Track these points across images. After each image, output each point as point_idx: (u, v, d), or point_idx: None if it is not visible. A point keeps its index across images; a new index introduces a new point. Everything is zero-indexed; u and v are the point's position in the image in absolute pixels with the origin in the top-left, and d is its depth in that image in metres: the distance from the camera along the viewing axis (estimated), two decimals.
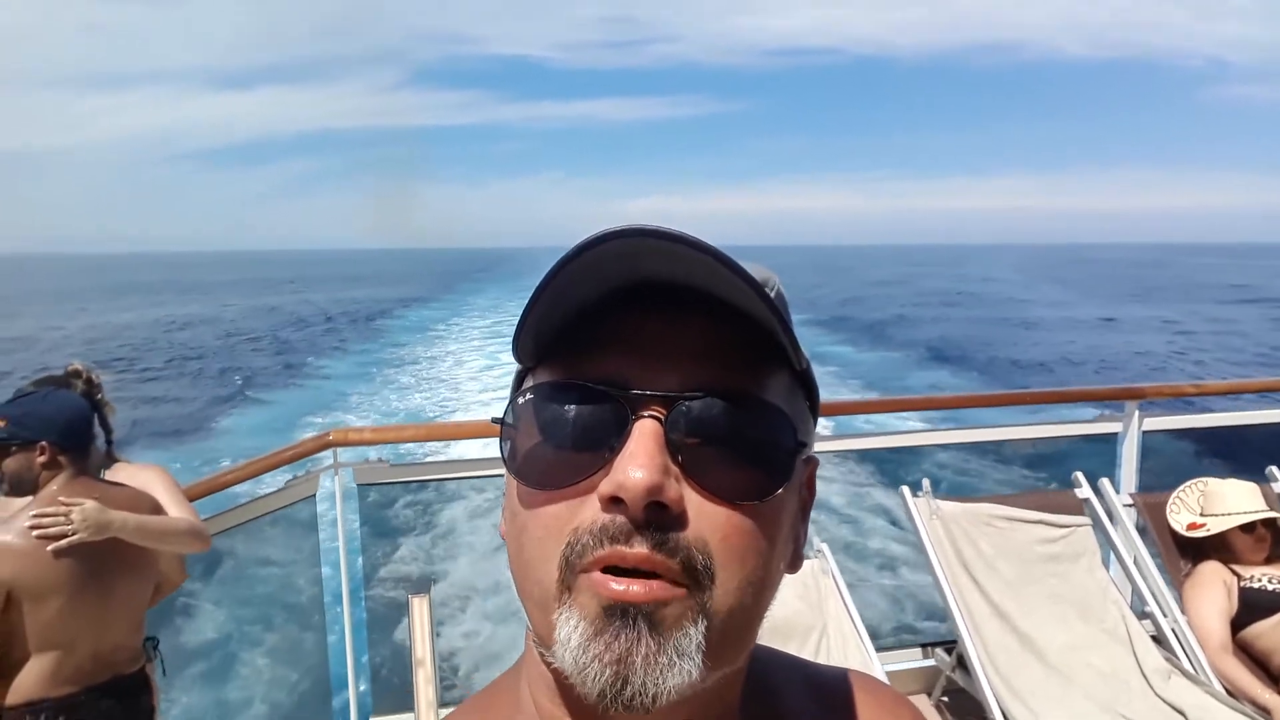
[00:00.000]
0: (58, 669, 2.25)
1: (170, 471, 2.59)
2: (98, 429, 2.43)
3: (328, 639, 3.43)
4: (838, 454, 4.06)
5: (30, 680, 2.23)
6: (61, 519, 2.17)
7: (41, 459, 2.26)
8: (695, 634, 0.48)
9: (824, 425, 4.36)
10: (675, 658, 0.47)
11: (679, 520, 0.48)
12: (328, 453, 3.26)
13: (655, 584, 0.47)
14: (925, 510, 3.36)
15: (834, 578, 3.23)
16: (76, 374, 2.45)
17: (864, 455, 4.80)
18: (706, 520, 0.49)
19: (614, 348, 0.52)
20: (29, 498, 2.25)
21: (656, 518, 0.48)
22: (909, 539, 3.56)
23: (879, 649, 3.16)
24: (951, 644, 3.39)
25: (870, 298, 53.68)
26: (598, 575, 0.48)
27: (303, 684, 3.50)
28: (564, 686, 0.54)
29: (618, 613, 0.47)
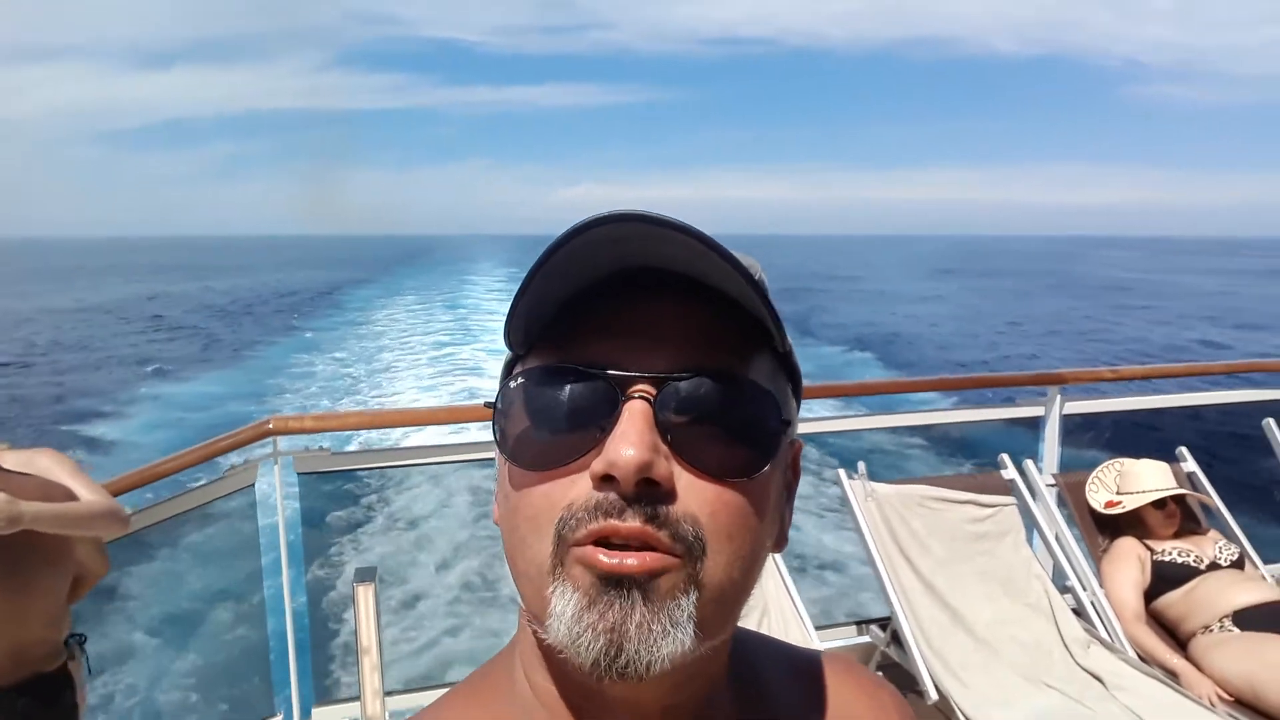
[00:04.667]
0: None
1: (75, 460, 2.46)
2: None
3: (268, 630, 3.39)
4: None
5: None
6: None
7: None
8: (687, 604, 0.50)
9: None
10: (669, 627, 0.49)
11: (669, 496, 0.50)
12: (267, 441, 3.21)
13: (649, 555, 0.49)
14: (861, 492, 3.47)
15: (774, 558, 3.32)
16: None
17: (800, 439, 4.92)
18: (696, 496, 0.51)
19: (603, 331, 0.53)
20: None
21: (648, 494, 0.49)
22: (845, 521, 3.67)
23: (817, 627, 3.26)
24: (886, 620, 3.51)
25: (803, 287, 54.49)
26: (591, 548, 0.49)
27: (244, 676, 3.45)
28: (558, 663, 0.55)
29: (612, 583, 0.48)
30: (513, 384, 0.54)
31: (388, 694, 3.17)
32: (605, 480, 0.49)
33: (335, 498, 3.59)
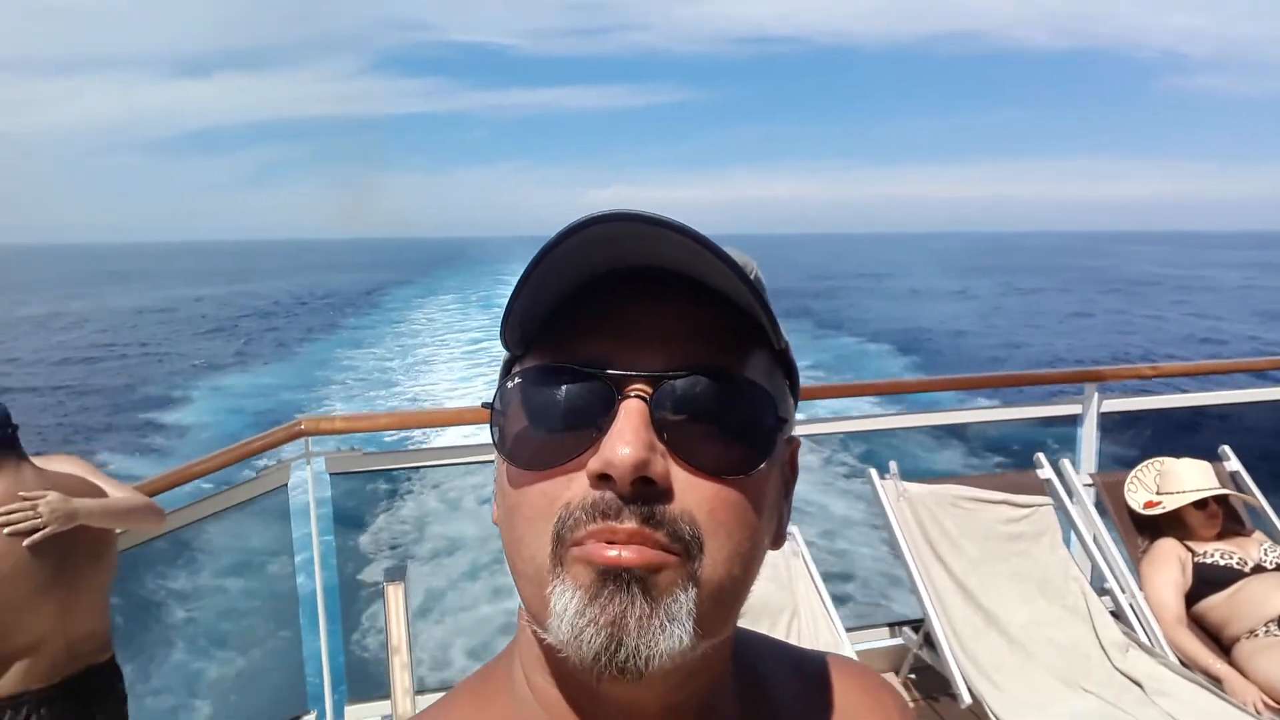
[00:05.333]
0: (35, 662, 2.24)
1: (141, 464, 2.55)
2: (11, 421, 2.32)
3: (301, 628, 3.43)
4: (806, 438, 4.11)
5: (10, 676, 2.22)
6: (30, 513, 2.14)
7: None
8: (686, 601, 0.50)
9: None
10: (667, 622, 0.49)
11: (666, 495, 0.50)
12: (300, 442, 3.25)
13: (648, 551, 0.49)
14: (893, 492, 3.43)
15: (804, 560, 3.29)
16: None
17: (833, 440, 4.88)
18: (693, 494, 0.51)
19: (599, 331, 0.53)
20: None
21: (644, 493, 0.49)
22: (877, 521, 3.63)
23: (848, 629, 3.22)
24: (919, 622, 3.47)
25: (833, 286, 54.10)
26: (590, 545, 0.49)
27: (277, 674, 3.50)
28: (557, 664, 0.56)
29: (611, 577, 0.48)
30: (510, 384, 0.55)
31: (419, 692, 3.20)
32: (602, 479, 0.49)
33: (367, 497, 3.62)
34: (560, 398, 0.52)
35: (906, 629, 3.63)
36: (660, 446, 0.50)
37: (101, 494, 2.38)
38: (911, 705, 3.45)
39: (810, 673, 0.72)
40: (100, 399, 21.34)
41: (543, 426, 0.52)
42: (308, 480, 3.28)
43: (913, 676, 3.62)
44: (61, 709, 2.28)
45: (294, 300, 48.45)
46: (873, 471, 3.47)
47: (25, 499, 2.15)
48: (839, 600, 3.28)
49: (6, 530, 2.11)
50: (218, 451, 3.10)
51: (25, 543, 2.12)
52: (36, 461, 2.35)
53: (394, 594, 3.03)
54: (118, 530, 2.49)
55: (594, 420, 0.51)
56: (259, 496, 3.23)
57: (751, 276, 0.53)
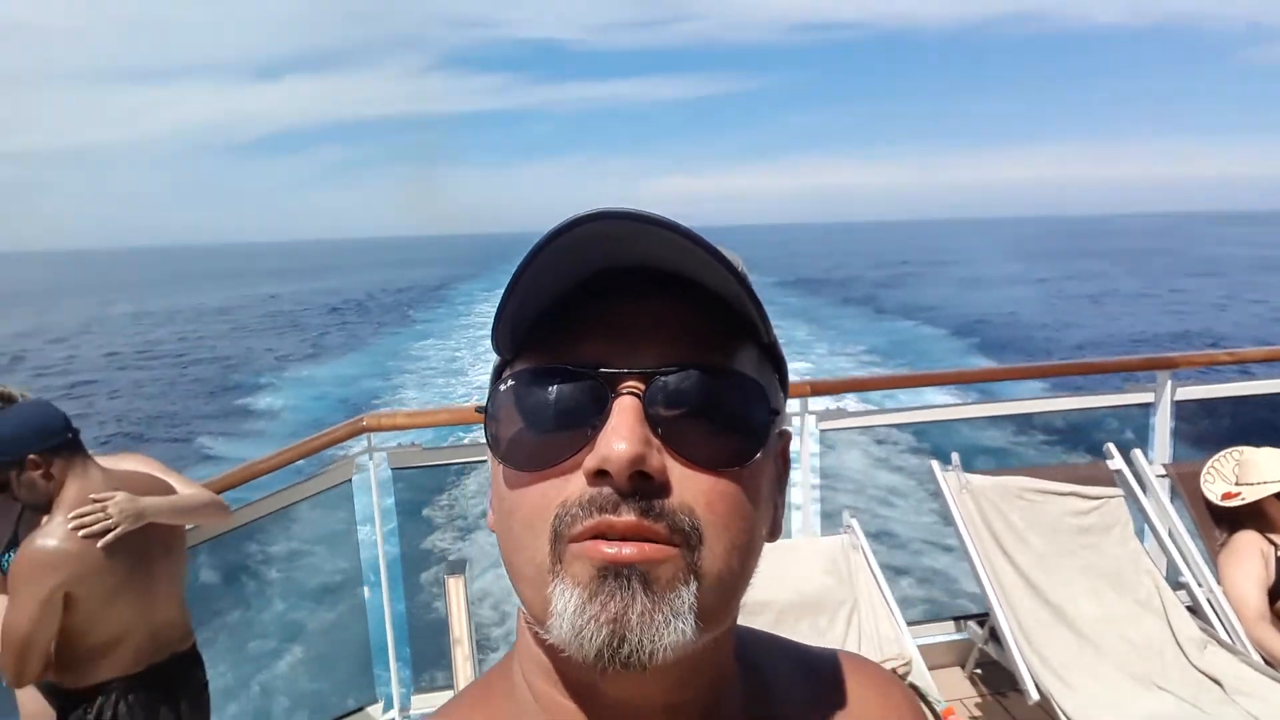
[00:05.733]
0: (121, 653, 2.35)
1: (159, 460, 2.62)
2: (72, 423, 2.37)
3: (368, 621, 3.52)
4: (867, 429, 4.06)
5: (97, 666, 2.34)
6: (100, 514, 2.23)
7: (37, 472, 2.24)
8: (687, 594, 0.50)
9: (853, 401, 4.36)
10: (670, 616, 0.49)
11: (663, 489, 0.50)
12: (363, 438, 3.33)
13: (647, 545, 0.49)
14: (955, 484, 3.36)
15: (864, 553, 3.25)
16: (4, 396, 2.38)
17: (894, 430, 4.79)
18: (690, 487, 0.51)
19: (590, 330, 0.53)
20: (53, 508, 2.25)
21: (642, 487, 0.49)
22: (939, 513, 3.57)
23: (910, 623, 3.17)
24: (984, 617, 3.40)
25: (901, 274, 53.08)
26: (589, 542, 0.49)
27: (344, 666, 3.60)
28: (558, 665, 0.56)
29: (611, 573, 0.48)
30: (502, 387, 0.55)
31: None
32: (599, 475, 0.49)
33: (429, 491, 3.69)
34: (553, 398, 0.52)
35: (971, 624, 3.56)
36: (655, 441, 0.50)
37: (168, 490, 2.48)
38: (979, 701, 3.40)
39: (818, 670, 0.71)
40: (196, 388, 23.11)
41: (537, 428, 0.52)
42: (371, 475, 3.35)
43: (978, 672, 3.55)
44: (147, 695, 2.40)
45: (366, 296, 50.20)
46: (934, 463, 3.40)
47: (96, 500, 2.24)
48: (900, 594, 3.22)
49: (81, 533, 2.20)
50: (282, 449, 3.19)
51: (99, 544, 2.21)
52: (104, 461, 2.45)
53: (455, 586, 3.09)
54: (187, 526, 2.59)
55: (588, 419, 0.51)
56: (324, 491, 3.31)
57: (739, 271, 0.53)
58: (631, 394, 0.51)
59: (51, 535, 2.20)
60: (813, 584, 3.16)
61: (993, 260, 64.66)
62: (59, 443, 2.27)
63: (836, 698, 0.69)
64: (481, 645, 3.46)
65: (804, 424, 3.55)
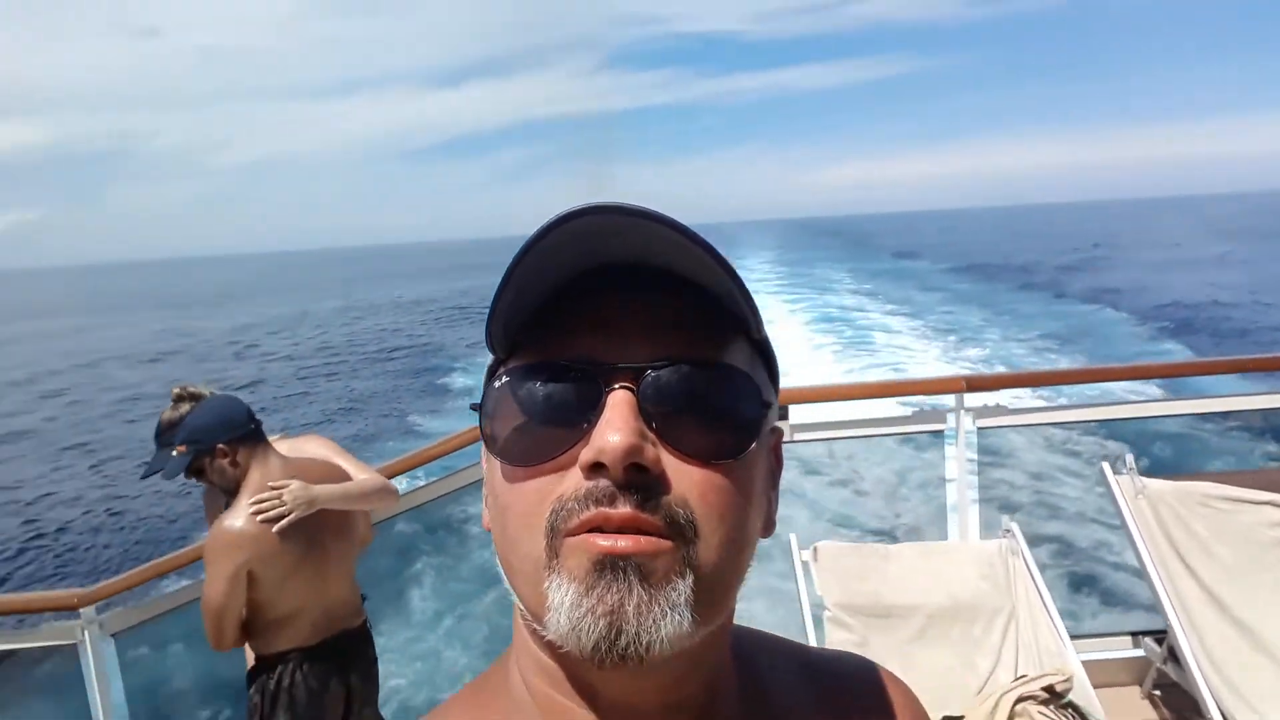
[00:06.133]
0: (298, 626, 2.58)
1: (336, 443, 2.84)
2: (255, 416, 2.59)
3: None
4: (1037, 427, 3.82)
5: (278, 637, 2.58)
6: (276, 501, 2.45)
7: (225, 459, 2.49)
8: (684, 587, 0.50)
9: (1019, 396, 4.12)
10: (666, 609, 0.49)
11: (659, 481, 0.50)
12: None
13: (643, 538, 0.49)
14: (1130, 489, 3.11)
15: (1024, 558, 3.06)
16: (183, 396, 2.70)
17: (1066, 428, 4.50)
18: (685, 480, 0.51)
19: (583, 326, 0.53)
20: (239, 492, 2.50)
21: (637, 480, 0.50)
22: (1112, 519, 3.31)
23: (1075, 636, 2.97)
24: (1162, 634, 3.13)
25: (1087, 258, 49.36)
26: (585, 536, 0.49)
27: (484, 657, 3.76)
28: (555, 664, 0.56)
29: (608, 566, 0.48)
30: (496, 384, 0.55)
31: None
32: (594, 469, 0.50)
33: None
34: (548, 394, 0.53)
35: (1149, 640, 3.29)
36: (650, 434, 0.51)
37: (343, 476, 2.68)
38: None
39: (819, 671, 0.71)
40: (399, 371, 25.94)
41: (532, 424, 0.53)
42: None
43: (1157, 693, 3.28)
44: (322, 666, 2.61)
45: None
46: (1105, 465, 3.16)
47: (273, 488, 2.46)
48: (1066, 605, 3.03)
49: (259, 517, 2.42)
50: (449, 435, 3.37)
51: (274, 528, 2.43)
52: (286, 445, 2.69)
53: None
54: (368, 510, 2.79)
55: (583, 414, 0.51)
56: (466, 487, 3.48)
57: (729, 265, 0.53)
58: (625, 388, 0.51)
59: (236, 517, 2.43)
60: (967, 589, 3.02)
61: (1191, 241, 58.97)
62: (243, 433, 2.52)
63: (837, 698, 0.69)
64: None
65: (959, 421, 3.39)
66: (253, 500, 2.43)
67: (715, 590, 0.52)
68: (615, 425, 0.49)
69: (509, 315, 0.54)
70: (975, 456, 3.42)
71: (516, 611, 0.58)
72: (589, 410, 0.51)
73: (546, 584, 0.50)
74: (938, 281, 37.81)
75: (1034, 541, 3.17)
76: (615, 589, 0.48)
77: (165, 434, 2.66)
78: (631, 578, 0.49)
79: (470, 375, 23.48)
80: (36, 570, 11.91)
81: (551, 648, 0.53)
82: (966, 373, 3.40)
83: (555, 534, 0.50)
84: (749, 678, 0.65)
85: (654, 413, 0.51)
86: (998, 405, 3.42)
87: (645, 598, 0.49)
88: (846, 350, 20.13)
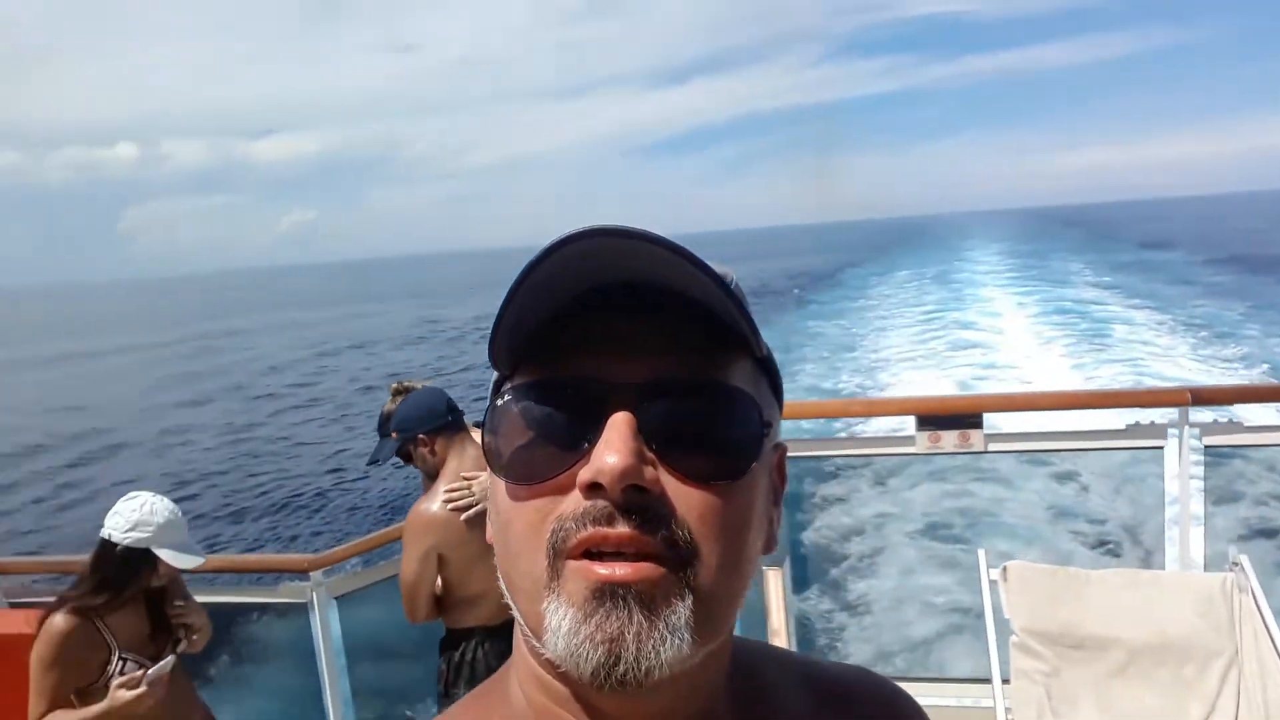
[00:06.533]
0: (483, 607, 2.78)
1: None
2: (456, 409, 2.81)
3: None
4: (1277, 448, 3.34)
5: (465, 615, 2.80)
6: (465, 492, 2.65)
7: (425, 448, 2.72)
8: (683, 609, 0.50)
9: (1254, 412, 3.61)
10: (666, 633, 0.49)
11: (658, 502, 0.51)
12: None
13: (643, 565, 0.49)
14: None
15: (1254, 597, 2.69)
16: (399, 390, 2.95)
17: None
18: (684, 501, 0.51)
19: (584, 346, 0.54)
20: (438, 479, 2.73)
21: (636, 500, 0.50)
22: None
23: None
24: None
25: None
26: (584, 562, 0.50)
27: None
28: (554, 678, 0.56)
29: (607, 594, 0.49)
30: (499, 402, 0.56)
31: None
32: (593, 489, 0.50)
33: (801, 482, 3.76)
34: (549, 413, 0.53)
35: None
36: (650, 455, 0.51)
37: None
38: None
39: (823, 684, 0.70)
40: None
41: (534, 443, 0.54)
42: None
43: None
44: (502, 646, 2.81)
45: (760, 284, 52.64)
46: None
47: (465, 479, 2.67)
48: None
49: (450, 506, 2.63)
50: None
51: (462, 517, 2.63)
52: (477, 432, 2.90)
53: (773, 578, 3.15)
54: None
55: (584, 434, 0.52)
56: None
57: (731, 286, 0.53)
58: (625, 409, 0.52)
59: (431, 503, 2.67)
60: (1181, 626, 2.71)
61: None
62: (441, 424, 2.76)
63: (840, 709, 0.68)
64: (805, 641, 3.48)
65: (1183, 438, 3.03)
66: (446, 489, 2.66)
67: (715, 611, 0.53)
68: (614, 446, 0.50)
69: (512, 334, 0.54)
70: (1201, 478, 3.04)
71: (517, 625, 0.58)
72: (589, 430, 0.52)
73: (545, 604, 0.51)
74: (1192, 274, 33.68)
75: (1268, 578, 2.78)
76: (615, 617, 0.49)
77: (383, 424, 2.98)
78: (631, 605, 0.49)
79: None
80: (278, 533, 13.51)
81: (550, 664, 0.54)
82: (1192, 385, 3.04)
83: (556, 554, 0.51)
84: (751, 691, 0.65)
85: (654, 433, 0.52)
86: (1230, 422, 3.02)
87: (645, 624, 0.49)
88: (1079, 344, 18.76)
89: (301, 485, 15.72)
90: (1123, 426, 3.19)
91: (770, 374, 0.60)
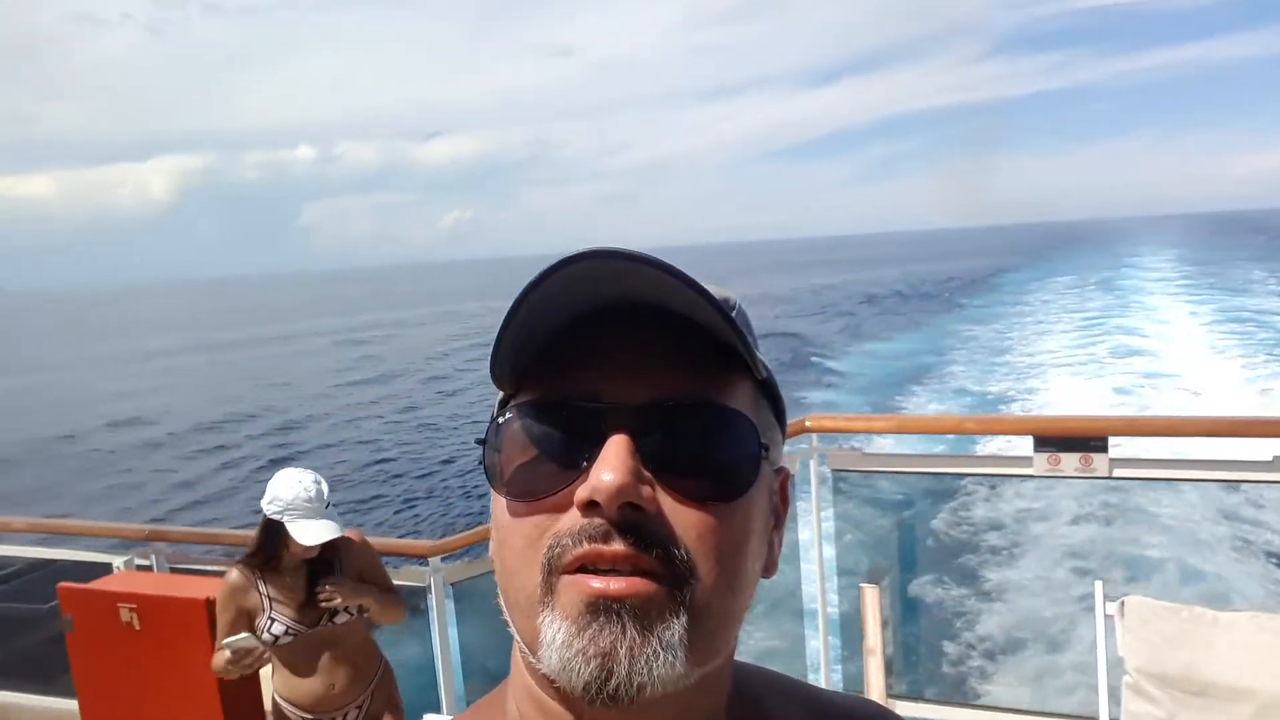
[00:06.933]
0: None
1: None
2: None
3: (803, 615, 3.63)
4: None
5: None
6: None
7: None
8: (677, 627, 0.50)
9: None
10: (659, 649, 0.49)
11: (654, 521, 0.51)
12: (805, 437, 3.44)
13: (637, 579, 0.50)
14: None
15: None
16: None
17: None
18: (680, 521, 0.52)
19: (584, 366, 0.55)
20: None
21: (632, 519, 0.51)
22: None
23: None
24: None
25: None
26: (579, 575, 0.50)
27: (779, 654, 3.78)
28: (548, 693, 0.56)
29: (601, 608, 0.49)
30: (500, 420, 0.57)
31: (900, 697, 3.21)
32: (590, 507, 0.51)
33: (869, 496, 3.68)
34: (549, 432, 0.54)
35: None
36: (647, 474, 0.52)
37: None
38: None
39: (827, 714, 0.68)
40: (787, 349, 28.40)
41: (533, 461, 0.55)
42: (811, 475, 3.45)
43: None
44: None
45: (909, 287, 51.79)
46: None
47: None
48: None
49: None
50: None
51: None
52: None
53: (870, 596, 3.08)
54: None
55: (582, 452, 0.53)
56: None
57: (733, 310, 0.55)
58: (624, 429, 0.52)
59: None
60: (1235, 673, 2.48)
61: None
62: None
63: None
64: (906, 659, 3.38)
65: None
66: None
67: (710, 631, 0.53)
68: (611, 464, 0.50)
69: (514, 354, 0.55)
70: None
71: (515, 642, 0.58)
72: (588, 449, 0.53)
73: (540, 619, 0.52)
74: None
75: None
76: (608, 631, 0.49)
77: None
78: (625, 619, 0.50)
79: (848, 361, 25.49)
80: (397, 520, 14.38)
81: (545, 680, 0.54)
82: None
83: (551, 570, 0.52)
84: (749, 716, 0.64)
85: (652, 453, 0.52)
86: None
87: (638, 640, 0.49)
88: (1255, 354, 17.87)
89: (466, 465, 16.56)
90: (1270, 458, 2.92)
91: (772, 397, 0.60)
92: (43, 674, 4.23)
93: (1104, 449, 2.99)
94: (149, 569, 3.94)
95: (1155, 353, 19.39)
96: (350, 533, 2.78)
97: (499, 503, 0.57)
